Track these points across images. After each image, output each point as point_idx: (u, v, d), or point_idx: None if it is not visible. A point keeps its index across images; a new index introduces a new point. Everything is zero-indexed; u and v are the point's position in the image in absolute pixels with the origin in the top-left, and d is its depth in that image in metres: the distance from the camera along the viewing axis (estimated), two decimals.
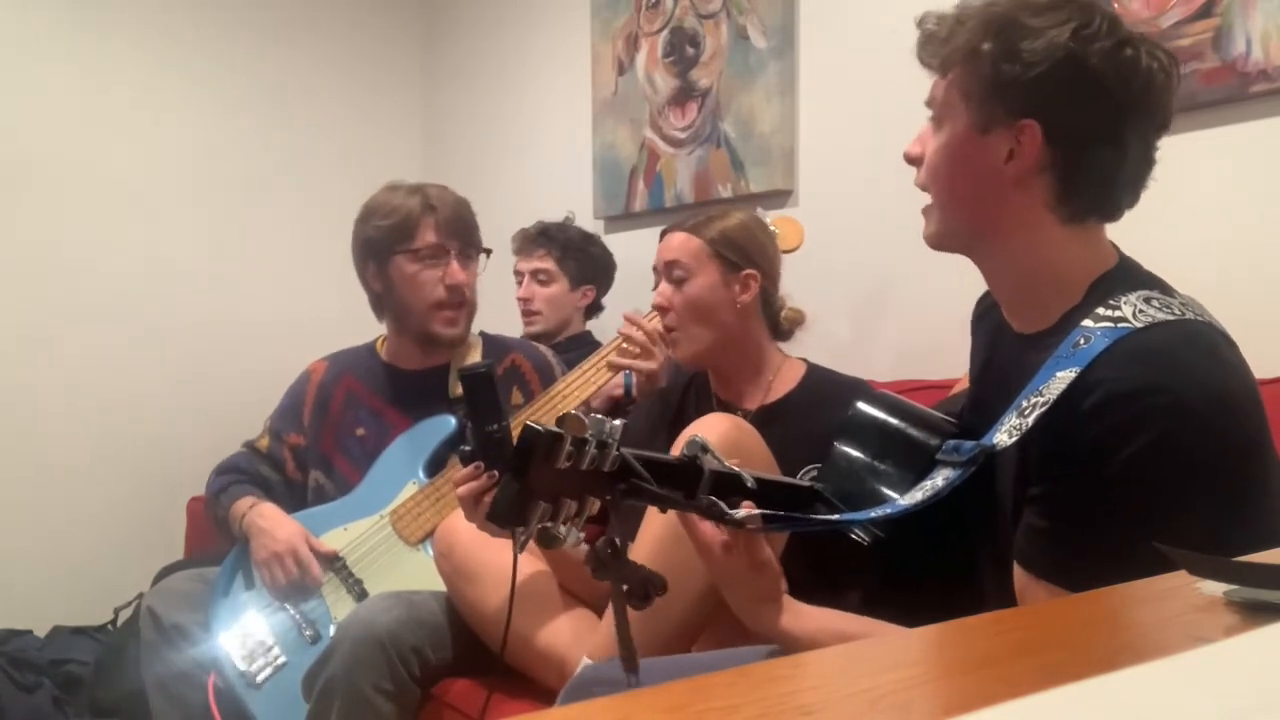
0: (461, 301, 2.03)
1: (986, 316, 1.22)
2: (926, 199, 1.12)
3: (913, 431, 1.18)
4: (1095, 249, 1.06)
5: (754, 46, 2.40)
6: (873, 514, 1.04)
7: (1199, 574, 0.61)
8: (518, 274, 2.59)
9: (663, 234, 1.75)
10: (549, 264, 2.54)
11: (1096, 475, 0.92)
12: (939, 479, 1.01)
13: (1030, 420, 0.93)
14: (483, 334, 2.16)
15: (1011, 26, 1.01)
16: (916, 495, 1.01)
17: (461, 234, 2.03)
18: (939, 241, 1.12)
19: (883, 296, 2.20)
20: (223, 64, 3.16)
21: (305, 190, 3.25)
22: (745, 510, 1.01)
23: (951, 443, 1.04)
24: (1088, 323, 0.97)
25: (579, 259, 2.57)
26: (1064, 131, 1.01)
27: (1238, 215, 1.67)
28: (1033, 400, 0.95)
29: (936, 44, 1.07)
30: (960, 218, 1.09)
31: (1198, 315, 0.98)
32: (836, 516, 1.08)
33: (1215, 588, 0.59)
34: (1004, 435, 0.96)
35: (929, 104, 1.10)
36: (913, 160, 1.12)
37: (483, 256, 2.09)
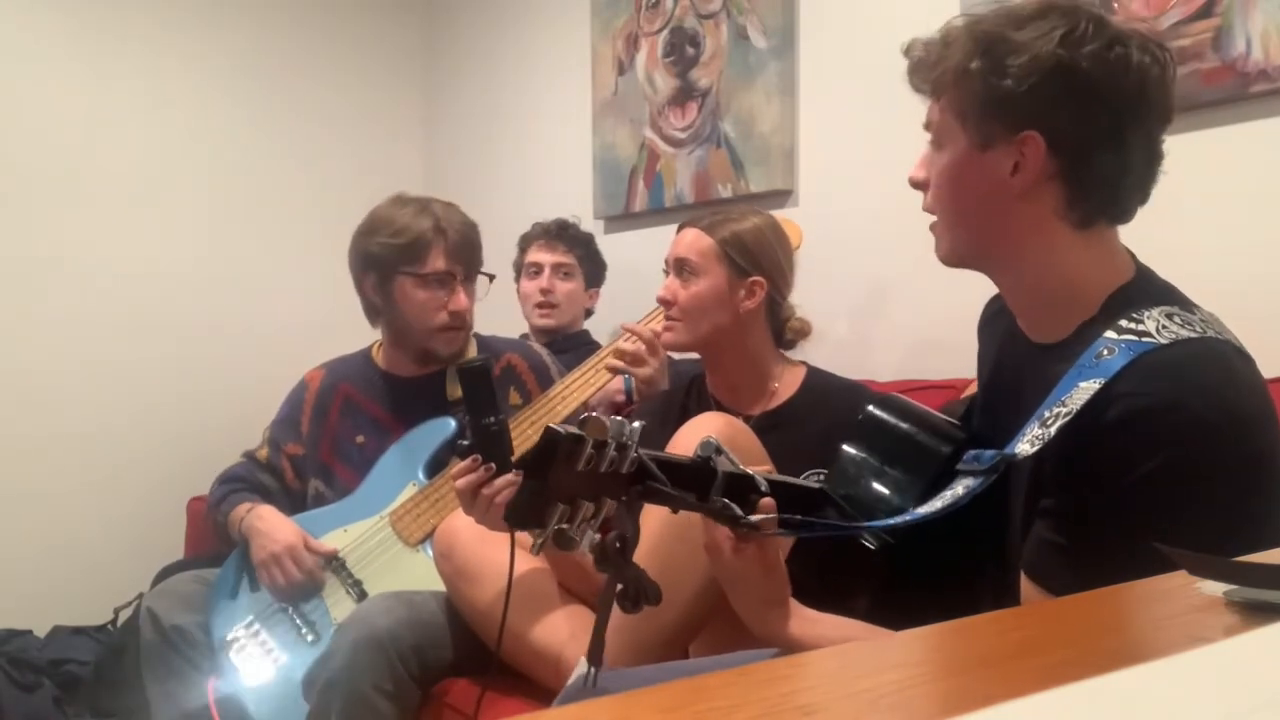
0: (462, 326, 2.03)
1: (994, 321, 1.21)
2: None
3: (921, 437, 1.17)
4: (1110, 258, 1.05)
5: (754, 46, 2.40)
6: (892, 521, 1.03)
7: (1199, 574, 0.61)
8: (535, 265, 2.53)
9: (679, 228, 1.75)
10: (571, 260, 2.52)
11: (1113, 490, 0.92)
12: (959, 488, 1.00)
13: (1053, 430, 0.93)
14: (476, 336, 2.15)
15: (998, 42, 1.00)
16: (936, 504, 1.00)
17: (467, 259, 2.02)
18: (953, 259, 1.11)
19: (882, 296, 2.20)
20: (223, 64, 3.16)
21: (305, 192, 3.25)
22: (761, 515, 1.00)
23: (972, 452, 1.03)
24: (1110, 334, 0.96)
25: (594, 261, 2.58)
26: (1066, 137, 1.00)
27: (1238, 215, 1.67)
28: (1055, 411, 0.94)
29: (926, 69, 1.07)
30: (971, 236, 1.09)
31: (1218, 333, 0.98)
32: (859, 524, 1.07)
33: (1215, 588, 0.59)
34: (1026, 445, 0.95)
35: (927, 127, 1.09)
36: (918, 185, 1.11)
37: (484, 280, 2.07)
